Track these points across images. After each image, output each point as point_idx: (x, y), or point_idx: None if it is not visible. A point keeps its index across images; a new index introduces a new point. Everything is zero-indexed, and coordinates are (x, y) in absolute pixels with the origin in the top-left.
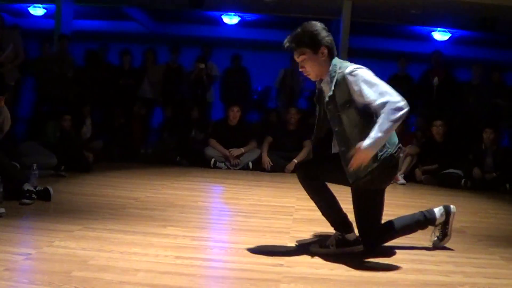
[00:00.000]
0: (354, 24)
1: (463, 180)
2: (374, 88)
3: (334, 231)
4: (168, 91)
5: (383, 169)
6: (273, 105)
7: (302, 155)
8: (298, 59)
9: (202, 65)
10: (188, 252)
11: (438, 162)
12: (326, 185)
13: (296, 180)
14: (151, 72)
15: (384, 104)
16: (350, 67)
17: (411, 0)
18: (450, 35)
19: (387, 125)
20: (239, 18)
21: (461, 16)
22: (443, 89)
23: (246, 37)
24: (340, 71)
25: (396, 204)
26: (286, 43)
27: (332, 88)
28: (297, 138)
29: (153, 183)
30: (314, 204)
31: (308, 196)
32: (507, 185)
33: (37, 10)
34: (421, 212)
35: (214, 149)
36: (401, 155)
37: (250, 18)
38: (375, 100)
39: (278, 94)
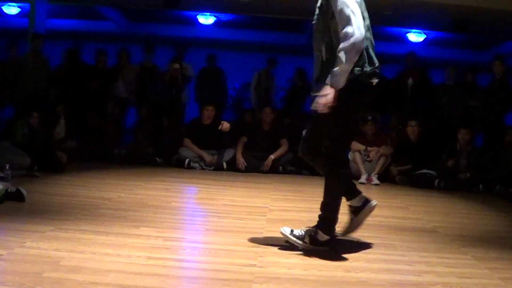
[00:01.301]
0: None
1: (437, 180)
2: (345, 15)
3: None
4: (142, 91)
5: (351, 84)
6: (249, 106)
7: (279, 152)
8: None
9: (177, 65)
10: (161, 252)
11: (412, 162)
12: None
13: (271, 180)
14: (125, 72)
15: (345, 36)
16: None
17: (384, 1)
18: (425, 36)
19: (345, 58)
20: (215, 18)
21: (435, 18)
22: (418, 90)
23: (222, 37)
24: None
25: None
26: None
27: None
28: (272, 138)
29: (126, 183)
30: (288, 205)
31: (282, 196)
32: (480, 186)
33: (11, 9)
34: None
35: (188, 150)
36: (375, 81)
37: (225, 18)
38: (341, 27)
39: (253, 96)
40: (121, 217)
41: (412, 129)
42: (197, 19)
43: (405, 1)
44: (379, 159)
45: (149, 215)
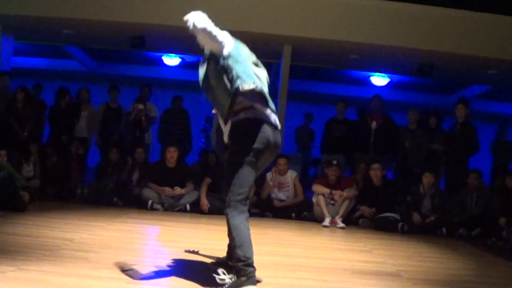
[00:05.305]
0: (294, 68)
1: (400, 224)
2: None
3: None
4: (106, 131)
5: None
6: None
7: (250, 193)
8: None
9: (141, 106)
10: None
11: (376, 205)
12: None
13: None
14: (88, 112)
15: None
16: None
17: (350, 45)
18: (389, 80)
19: (208, 28)
20: (180, 60)
21: (399, 62)
22: (381, 134)
23: (187, 79)
24: None
25: (333, 248)
26: None
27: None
28: None
29: (88, 224)
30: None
31: None
32: (444, 229)
33: None
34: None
35: (151, 191)
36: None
37: (191, 60)
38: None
39: (214, 139)
40: (83, 258)
41: (374, 172)
42: (162, 60)
43: (371, 46)
44: (343, 202)
45: (111, 256)
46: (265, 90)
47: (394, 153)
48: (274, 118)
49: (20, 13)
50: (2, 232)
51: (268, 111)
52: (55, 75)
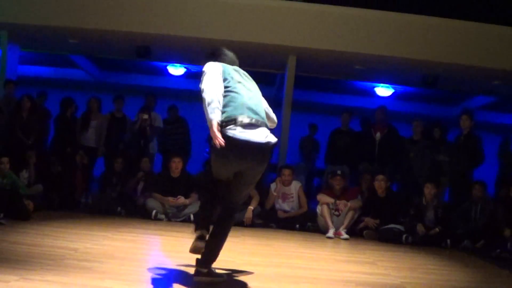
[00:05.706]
0: (299, 78)
1: (404, 235)
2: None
3: None
4: (111, 141)
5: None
6: None
7: (255, 203)
8: None
9: (146, 116)
10: None
11: (380, 217)
12: None
13: (238, 233)
14: (96, 121)
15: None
16: None
17: (354, 55)
18: (393, 90)
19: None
20: (185, 69)
21: (403, 73)
22: (385, 145)
23: (191, 88)
24: None
25: (337, 260)
26: None
27: None
28: None
29: (93, 233)
30: (255, 259)
31: (249, 250)
32: (448, 241)
33: None
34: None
35: (156, 201)
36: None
37: (196, 70)
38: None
39: None
40: (87, 268)
41: (379, 183)
42: (167, 70)
43: (375, 56)
44: (347, 213)
45: (115, 267)
46: (253, 106)
47: (399, 164)
48: (250, 135)
49: (26, 22)
50: (5, 241)
51: (251, 132)
52: (61, 84)
